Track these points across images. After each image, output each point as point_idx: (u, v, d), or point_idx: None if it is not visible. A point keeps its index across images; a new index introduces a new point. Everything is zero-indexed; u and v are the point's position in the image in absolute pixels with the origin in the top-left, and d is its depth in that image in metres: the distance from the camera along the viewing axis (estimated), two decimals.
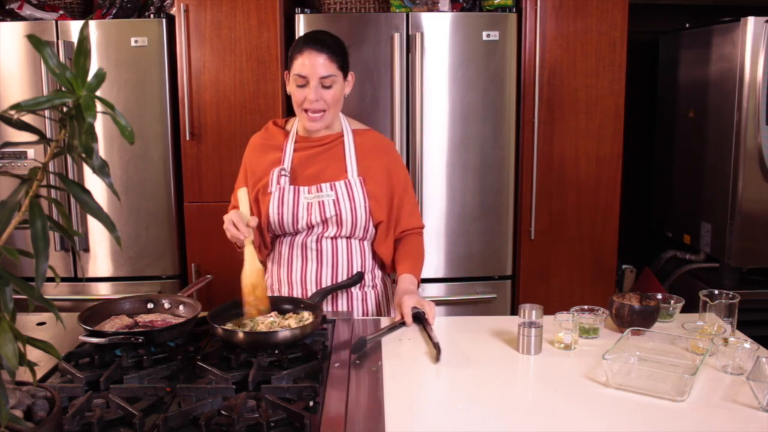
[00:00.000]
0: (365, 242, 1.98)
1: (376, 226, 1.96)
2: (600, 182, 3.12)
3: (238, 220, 1.77)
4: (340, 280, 1.94)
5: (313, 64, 1.82)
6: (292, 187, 1.91)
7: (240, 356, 1.50)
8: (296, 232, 1.93)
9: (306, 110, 1.87)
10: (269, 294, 2.01)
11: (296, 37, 2.94)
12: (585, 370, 1.50)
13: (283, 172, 1.92)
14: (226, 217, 1.80)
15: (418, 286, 1.96)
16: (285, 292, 1.97)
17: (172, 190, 3.05)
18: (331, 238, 1.93)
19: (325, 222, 1.90)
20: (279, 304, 1.75)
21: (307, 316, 1.68)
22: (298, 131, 1.98)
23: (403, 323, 1.78)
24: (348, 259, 1.95)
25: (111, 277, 3.10)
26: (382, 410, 1.31)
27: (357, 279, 1.95)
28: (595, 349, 1.59)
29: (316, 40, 1.85)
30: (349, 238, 1.94)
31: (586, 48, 3.02)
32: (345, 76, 1.90)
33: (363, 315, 1.98)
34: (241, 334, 1.53)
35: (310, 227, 1.91)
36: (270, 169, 1.94)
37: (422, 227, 2.06)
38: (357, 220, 1.91)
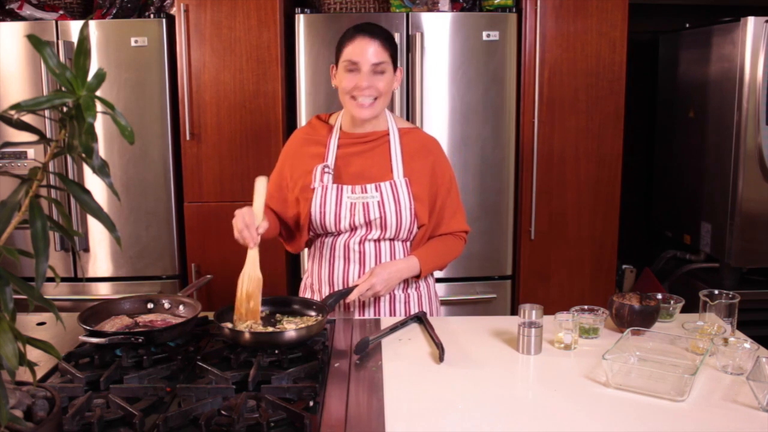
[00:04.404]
0: (408, 243, 1.92)
1: (419, 228, 1.90)
2: (600, 182, 3.12)
3: (250, 222, 1.67)
4: None
5: (365, 50, 1.78)
6: (335, 185, 1.86)
7: (240, 356, 1.50)
8: (338, 233, 1.88)
9: (354, 97, 1.80)
10: (307, 292, 2.00)
11: (296, 37, 2.95)
12: (585, 370, 1.50)
13: (326, 170, 1.86)
14: (237, 212, 1.69)
15: (420, 278, 1.90)
16: (325, 292, 1.91)
17: (172, 190, 3.05)
18: (375, 241, 1.88)
19: (368, 224, 1.85)
20: (289, 304, 1.74)
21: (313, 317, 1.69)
22: (342, 126, 1.92)
23: (404, 324, 1.77)
24: None
25: (111, 277, 3.10)
26: (382, 410, 1.31)
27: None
28: (595, 349, 1.59)
29: (367, 28, 1.82)
30: (392, 240, 1.89)
31: (586, 48, 3.02)
32: (395, 68, 1.85)
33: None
34: (247, 335, 1.52)
35: (353, 228, 1.86)
36: (313, 164, 1.88)
37: (465, 230, 1.98)
38: (402, 223, 1.85)
